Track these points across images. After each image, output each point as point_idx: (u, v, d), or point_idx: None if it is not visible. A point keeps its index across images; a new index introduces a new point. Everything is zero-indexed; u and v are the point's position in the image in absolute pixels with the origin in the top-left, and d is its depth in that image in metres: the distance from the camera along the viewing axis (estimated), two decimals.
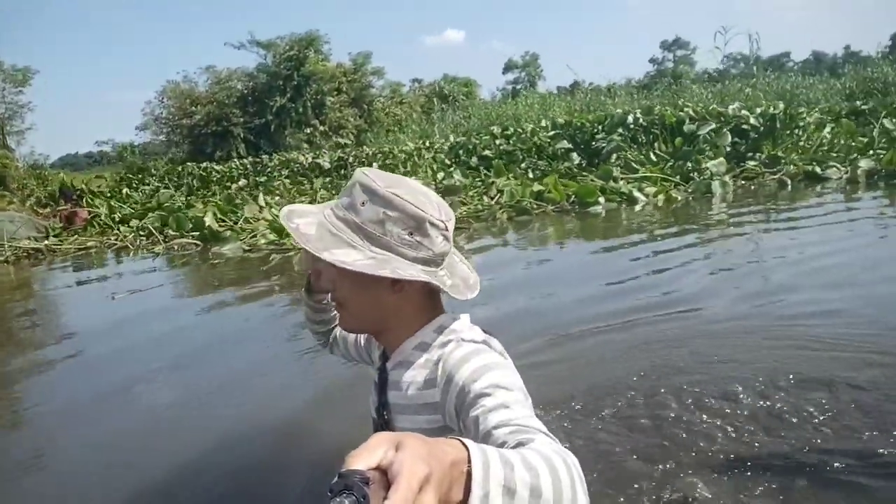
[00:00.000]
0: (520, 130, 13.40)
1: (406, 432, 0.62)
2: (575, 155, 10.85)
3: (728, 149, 9.16)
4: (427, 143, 15.67)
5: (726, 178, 7.81)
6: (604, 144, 10.57)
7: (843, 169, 7.85)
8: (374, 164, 14.51)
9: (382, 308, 1.16)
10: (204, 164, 19.33)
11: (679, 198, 7.51)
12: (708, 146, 9.08)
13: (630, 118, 10.70)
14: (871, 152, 8.22)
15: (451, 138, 15.22)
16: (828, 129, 9.94)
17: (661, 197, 7.43)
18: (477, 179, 9.17)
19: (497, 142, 13.03)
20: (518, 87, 45.36)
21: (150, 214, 8.39)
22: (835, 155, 8.42)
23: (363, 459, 0.56)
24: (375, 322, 1.19)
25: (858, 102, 15.60)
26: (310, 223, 1.12)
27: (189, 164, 20.55)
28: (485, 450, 0.66)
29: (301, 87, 27.47)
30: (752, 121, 10.02)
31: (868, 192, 6.90)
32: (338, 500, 0.52)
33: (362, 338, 1.47)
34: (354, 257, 1.06)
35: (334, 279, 1.16)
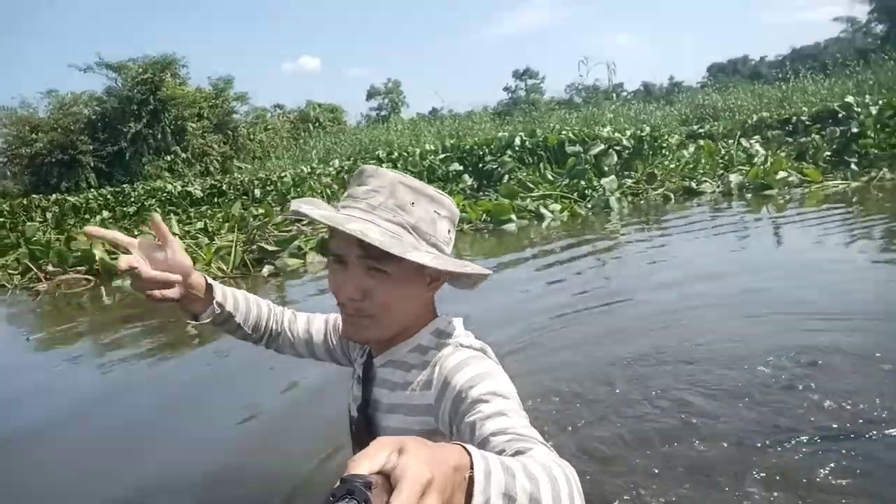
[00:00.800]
0: (406, 154, 13.62)
1: (408, 436, 0.61)
2: (467, 176, 11.17)
3: (605, 168, 9.89)
4: (308, 169, 15.41)
5: (617, 194, 8.42)
6: (495, 166, 11.00)
7: (714, 183, 8.78)
8: (256, 190, 14.05)
9: (413, 311, 1.14)
10: (53, 196, 17.60)
11: (582, 213, 7.98)
12: (590, 166, 9.74)
13: (517, 140, 11.21)
14: (734, 168, 9.27)
15: (337, 163, 15.06)
16: (691, 148, 11.08)
17: (566, 213, 7.86)
18: None
19: (384, 165, 13.12)
20: (382, 112, 45.86)
21: (18, 250, 7.45)
22: (702, 172, 9.38)
23: (366, 464, 0.56)
24: (401, 327, 1.14)
25: (695, 126, 17.71)
26: (367, 223, 1.04)
27: (35, 196, 18.53)
28: (486, 456, 0.66)
29: (158, 113, 25.90)
30: (624, 142, 10.94)
31: (739, 202, 7.78)
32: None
33: (333, 335, 1.43)
34: (423, 257, 1.03)
35: (369, 287, 1.07)
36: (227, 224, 8.41)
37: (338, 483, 0.53)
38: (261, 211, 8.77)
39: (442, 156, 12.02)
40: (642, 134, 11.31)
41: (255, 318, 1.39)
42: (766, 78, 34.82)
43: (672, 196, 8.50)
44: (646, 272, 4.67)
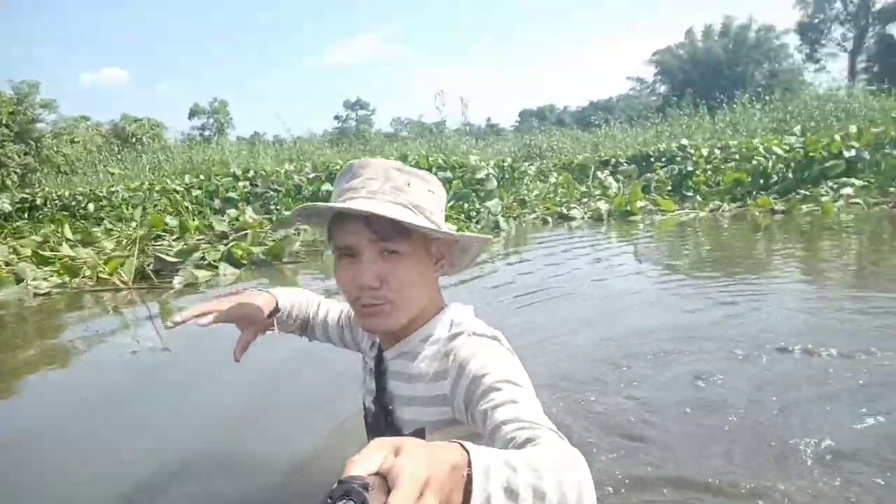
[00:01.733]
0: (264, 172, 13.03)
1: (405, 437, 0.62)
2: None
3: (484, 193, 10.35)
4: (142, 184, 14.08)
5: (501, 216, 8.86)
6: None
7: (582, 209, 9.60)
8: (90, 204, 12.55)
9: (425, 292, 1.15)
10: None
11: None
12: (471, 190, 10.14)
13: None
14: (596, 197, 10.21)
15: (187, 178, 13.93)
16: (552, 179, 11.98)
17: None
18: (268, 218, 8.65)
19: (240, 184, 12.42)
20: (206, 132, 43.23)
21: None
22: (565, 199, 10.21)
23: (362, 465, 0.56)
24: (417, 310, 1.15)
25: (526, 163, 19.32)
26: (375, 204, 1.05)
27: None
28: (486, 452, 0.66)
29: None
30: (489, 170, 11.55)
31: (605, 226, 8.61)
32: None
33: (345, 325, 1.46)
34: (440, 227, 1.08)
35: (386, 272, 1.08)
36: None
37: (335, 484, 0.53)
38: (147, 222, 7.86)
39: (312, 175, 11.69)
40: (504, 164, 12.03)
41: (294, 318, 1.46)
42: (570, 125, 38.88)
43: (550, 220, 9.13)
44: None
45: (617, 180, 11.12)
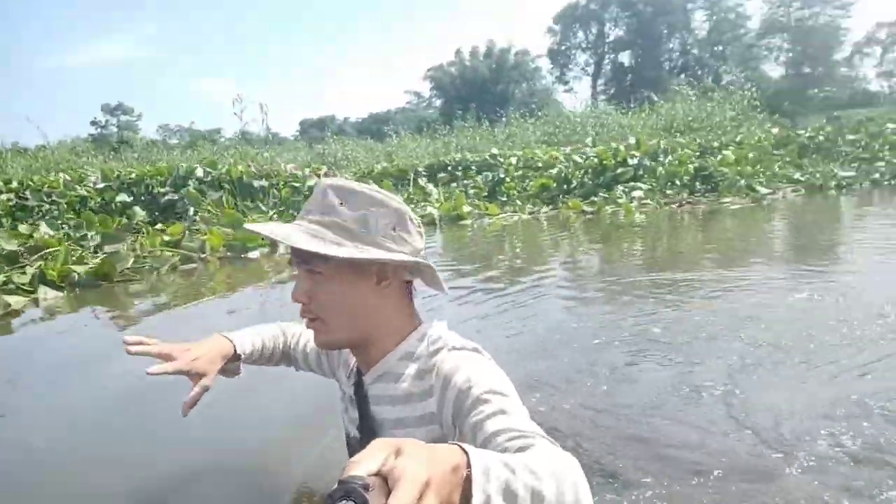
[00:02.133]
0: (31, 182, 11.02)
1: (406, 438, 0.63)
2: (139, 209, 9.75)
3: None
4: None
5: None
6: (175, 198, 9.89)
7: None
8: None
9: (365, 310, 1.13)
10: None
11: None
12: (302, 197, 9.70)
13: (199, 172, 10.34)
14: (421, 203, 10.40)
15: None
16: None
17: None
18: (65, 233, 7.29)
19: (2, 195, 10.42)
20: None
21: None
22: None
23: (363, 465, 0.56)
24: (358, 328, 1.14)
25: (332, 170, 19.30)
26: (287, 228, 1.10)
27: None
28: (485, 454, 0.67)
29: None
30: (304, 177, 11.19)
31: (437, 230, 8.84)
32: None
33: (322, 353, 1.45)
34: (344, 251, 1.07)
35: (312, 290, 1.12)
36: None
37: (335, 485, 0.53)
38: None
39: (101, 185, 10.21)
40: (319, 172, 11.72)
41: (271, 352, 1.49)
42: (351, 135, 39.47)
43: None
44: None
45: (436, 186, 11.45)
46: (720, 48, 60.52)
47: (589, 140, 15.06)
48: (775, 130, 15.03)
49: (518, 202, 10.19)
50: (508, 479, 0.65)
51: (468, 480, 0.63)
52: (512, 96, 60.24)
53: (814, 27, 56.96)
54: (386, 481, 0.56)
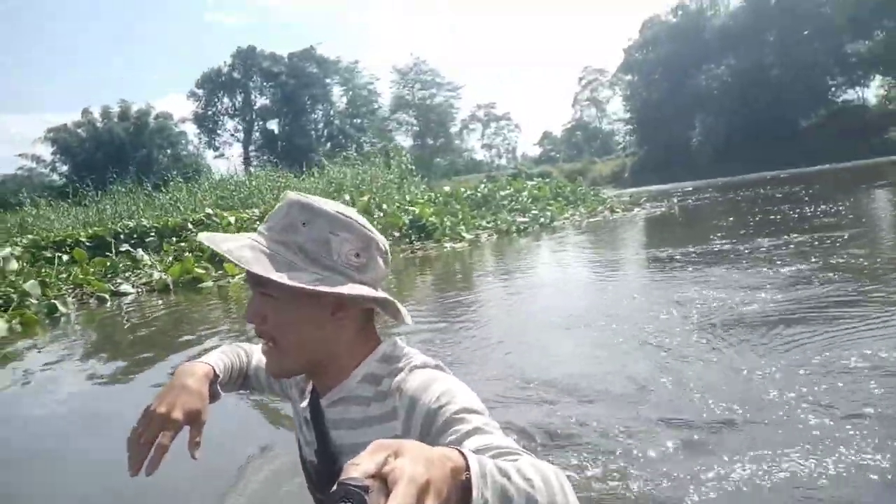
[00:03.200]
0: None
1: (405, 440, 0.63)
2: None
3: None
4: None
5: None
6: None
7: (134, 283, 8.39)
8: None
9: (320, 339, 1.07)
10: None
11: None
12: None
13: None
14: (124, 273, 9.02)
15: None
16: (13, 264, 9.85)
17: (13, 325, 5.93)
18: None
19: None
20: None
21: None
22: (94, 278, 8.70)
23: (362, 467, 0.56)
24: (311, 357, 1.08)
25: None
26: (242, 246, 1.02)
27: None
28: (482, 459, 0.68)
29: None
30: None
31: (173, 296, 7.85)
32: None
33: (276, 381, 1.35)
34: (299, 277, 1.00)
35: (265, 312, 1.05)
36: None
37: (335, 486, 0.54)
38: None
39: None
40: None
41: (237, 372, 1.35)
42: None
43: (108, 299, 7.66)
44: None
45: (147, 251, 10.06)
46: (358, 120, 66.77)
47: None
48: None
49: None
50: (504, 484, 0.67)
51: (466, 483, 0.63)
52: (157, 161, 56.24)
53: (431, 106, 67.32)
54: (385, 482, 0.55)
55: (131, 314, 6.89)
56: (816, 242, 6.53)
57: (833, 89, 51.41)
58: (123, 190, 23.22)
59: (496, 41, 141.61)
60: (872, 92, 50.93)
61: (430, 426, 0.95)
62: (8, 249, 8.77)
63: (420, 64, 67.01)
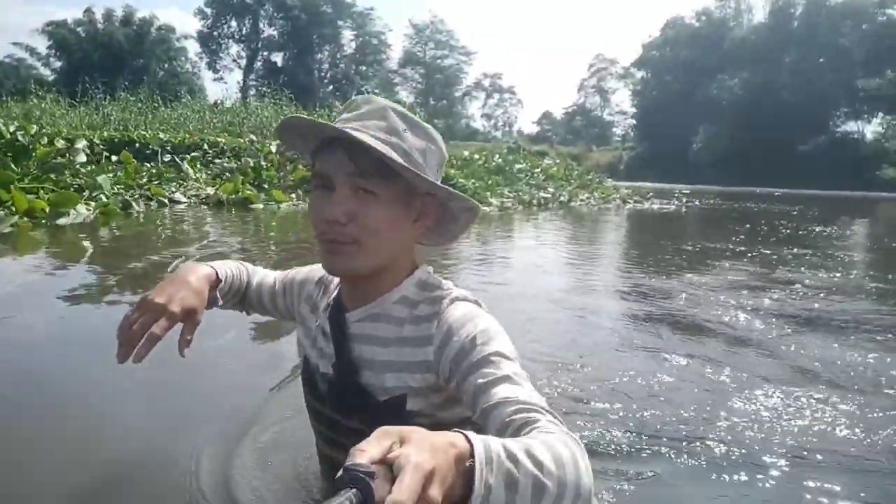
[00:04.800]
0: None
1: (411, 427, 0.63)
2: None
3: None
4: None
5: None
6: None
7: (186, 194, 8.56)
8: None
9: (398, 245, 1.07)
10: None
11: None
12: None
13: None
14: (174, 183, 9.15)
15: None
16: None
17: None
18: None
19: None
20: None
21: None
22: (146, 182, 8.83)
23: (367, 453, 0.56)
24: (384, 262, 1.06)
25: None
26: (364, 135, 0.98)
27: None
28: (488, 444, 0.67)
29: None
30: None
31: (226, 212, 8.07)
32: (343, 493, 0.52)
33: (280, 292, 1.35)
34: (420, 177, 1.01)
35: (356, 210, 1.00)
36: None
37: (340, 472, 0.54)
38: None
39: None
40: None
41: (237, 287, 1.34)
42: None
43: (167, 204, 7.85)
44: None
45: (194, 167, 10.15)
46: (364, 68, 65.69)
47: None
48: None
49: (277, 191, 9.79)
50: (510, 470, 0.66)
51: (470, 470, 0.64)
52: (154, 73, 54.71)
53: (441, 67, 66.68)
54: (391, 469, 0.56)
55: (201, 220, 7.12)
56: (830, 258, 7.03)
57: (836, 119, 52.47)
58: (134, 98, 22.72)
59: (513, 15, 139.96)
60: (871, 128, 52.16)
61: (462, 361, 0.96)
62: (83, 142, 8.81)
63: (437, 23, 66.23)
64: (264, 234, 6.90)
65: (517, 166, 17.15)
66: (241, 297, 1.36)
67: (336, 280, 1.21)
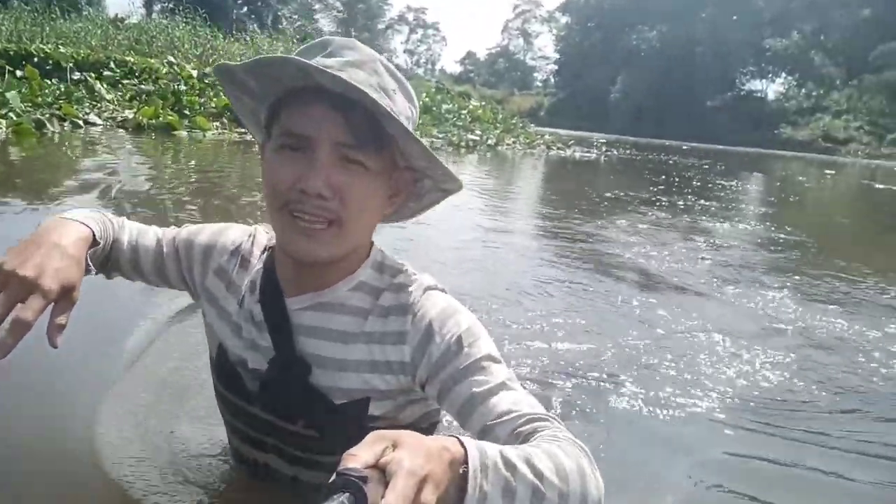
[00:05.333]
0: None
1: (403, 430, 0.61)
2: None
3: None
4: None
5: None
6: None
7: (101, 116, 8.03)
8: None
9: (374, 225, 0.94)
10: None
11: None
12: None
13: None
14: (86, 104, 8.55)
15: None
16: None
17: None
18: None
19: None
20: None
21: None
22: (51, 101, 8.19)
23: (360, 458, 0.55)
24: (355, 246, 0.92)
25: None
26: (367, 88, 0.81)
27: None
28: (484, 450, 0.64)
29: None
30: None
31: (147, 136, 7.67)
32: (335, 498, 0.51)
33: (170, 255, 1.08)
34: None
35: (339, 185, 0.83)
36: None
37: (332, 477, 0.53)
38: None
39: None
40: None
41: (108, 245, 1.04)
42: None
43: (81, 125, 7.36)
44: None
45: (105, 87, 9.44)
46: None
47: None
48: None
49: (217, 120, 9.39)
50: (508, 477, 0.64)
51: (463, 475, 0.62)
52: None
53: None
54: (384, 474, 0.55)
55: (123, 144, 6.73)
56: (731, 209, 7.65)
57: (742, 77, 55.11)
58: (29, 8, 20.55)
59: None
60: (774, 87, 55.26)
61: (446, 364, 0.88)
62: None
63: None
64: (209, 165, 6.64)
65: (444, 107, 17.09)
66: (104, 258, 1.05)
67: (258, 252, 1.03)
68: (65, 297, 0.83)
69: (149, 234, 1.10)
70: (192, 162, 6.80)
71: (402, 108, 0.87)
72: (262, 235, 1.06)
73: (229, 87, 0.92)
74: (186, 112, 9.25)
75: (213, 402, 1.13)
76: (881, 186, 17.21)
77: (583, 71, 57.95)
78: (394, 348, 0.92)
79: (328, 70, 0.78)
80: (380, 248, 0.99)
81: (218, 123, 9.39)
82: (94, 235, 0.95)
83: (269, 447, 1.04)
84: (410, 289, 0.94)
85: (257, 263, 1.02)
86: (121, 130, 7.98)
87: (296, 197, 0.83)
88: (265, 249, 1.03)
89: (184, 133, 8.43)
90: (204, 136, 8.62)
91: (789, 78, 52.35)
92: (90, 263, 0.93)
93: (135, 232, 1.10)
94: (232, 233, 1.06)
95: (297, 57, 0.80)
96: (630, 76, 54.70)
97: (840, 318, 3.08)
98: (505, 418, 0.80)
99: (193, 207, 4.14)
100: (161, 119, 8.38)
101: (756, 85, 55.68)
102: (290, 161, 0.84)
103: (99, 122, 7.99)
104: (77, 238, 0.90)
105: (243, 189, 5.20)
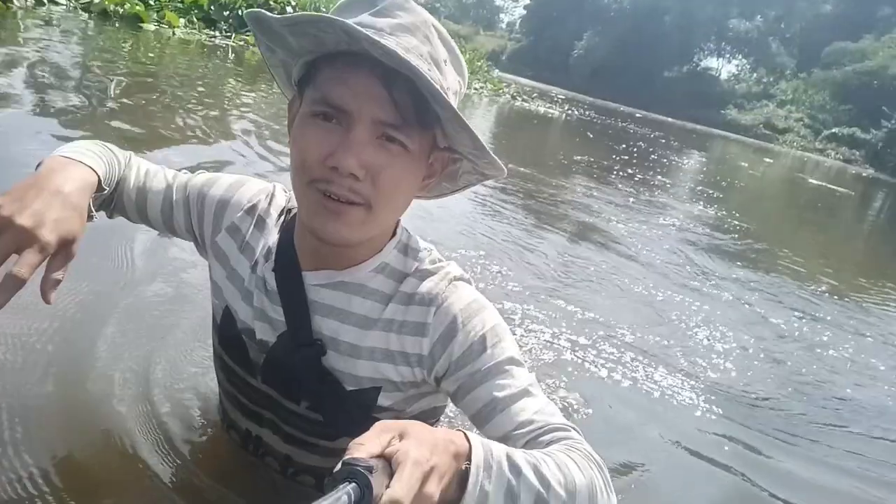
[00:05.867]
0: None
1: (410, 421, 0.61)
2: None
3: None
4: None
5: None
6: None
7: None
8: None
9: (405, 207, 0.88)
10: None
11: None
12: None
13: None
14: None
15: None
16: None
17: None
18: None
19: None
20: None
21: None
22: None
23: (366, 448, 0.55)
24: (386, 228, 0.89)
25: None
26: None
27: None
28: (489, 449, 0.64)
29: None
30: None
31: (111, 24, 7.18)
32: (341, 487, 0.51)
33: (181, 202, 1.01)
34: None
35: (374, 165, 0.76)
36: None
37: (338, 466, 0.54)
38: None
39: None
40: None
41: (112, 186, 0.97)
42: None
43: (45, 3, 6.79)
44: None
45: None
46: None
47: None
48: None
49: (186, 18, 8.83)
50: (511, 480, 0.64)
51: (466, 471, 0.62)
52: None
53: None
54: (389, 463, 0.55)
55: (73, 28, 6.27)
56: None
57: (701, 53, 55.94)
58: None
59: None
60: (728, 69, 56.51)
61: (467, 363, 0.85)
62: None
63: None
64: (184, 66, 6.29)
65: None
66: (109, 198, 0.98)
67: (275, 214, 0.97)
68: (63, 250, 0.77)
69: (158, 177, 1.03)
70: (147, 59, 6.43)
71: (452, 83, 0.81)
72: (281, 195, 1.00)
73: (263, 36, 0.82)
74: (151, 3, 8.64)
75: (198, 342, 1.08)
76: (815, 182, 18.16)
77: (551, 21, 57.20)
78: (412, 339, 0.88)
79: (380, 40, 0.70)
80: (405, 228, 0.94)
81: (184, 20, 8.84)
82: (99, 181, 0.88)
83: (265, 421, 1.01)
84: (436, 277, 0.90)
85: (274, 227, 0.96)
86: (84, 14, 7.42)
87: (326, 174, 0.77)
88: (282, 212, 0.98)
89: (152, 27, 7.91)
90: (173, 32, 8.12)
91: (744, 61, 53.58)
92: (91, 208, 0.86)
93: (142, 172, 1.02)
94: (248, 189, 0.99)
95: (344, 20, 0.71)
96: (596, 34, 54.47)
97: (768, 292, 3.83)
98: (526, 428, 0.79)
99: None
100: (129, 8, 7.82)
101: (712, 63, 56.88)
102: (323, 132, 0.77)
103: (62, 1, 7.38)
104: (82, 185, 0.83)
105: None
